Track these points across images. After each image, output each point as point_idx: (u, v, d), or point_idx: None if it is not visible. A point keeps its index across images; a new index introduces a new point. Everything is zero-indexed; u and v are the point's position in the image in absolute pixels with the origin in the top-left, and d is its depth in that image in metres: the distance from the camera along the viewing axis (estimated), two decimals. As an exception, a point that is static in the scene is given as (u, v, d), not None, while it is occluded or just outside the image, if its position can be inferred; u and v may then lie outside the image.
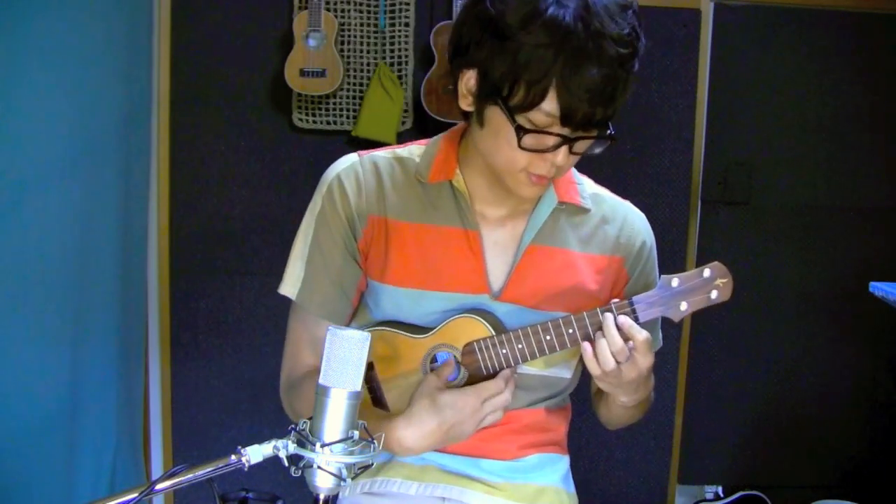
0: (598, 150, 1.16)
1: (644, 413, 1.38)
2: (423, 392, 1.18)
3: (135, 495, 0.87)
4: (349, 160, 1.28)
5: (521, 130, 1.08)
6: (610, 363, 1.13)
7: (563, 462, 1.39)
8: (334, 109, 2.29)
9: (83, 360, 1.92)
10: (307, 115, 2.28)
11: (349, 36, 2.26)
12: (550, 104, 1.06)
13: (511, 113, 1.08)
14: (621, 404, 1.27)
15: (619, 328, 1.14)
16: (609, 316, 1.15)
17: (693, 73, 2.35)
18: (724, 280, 1.18)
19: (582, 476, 2.43)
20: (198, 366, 2.36)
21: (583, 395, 1.43)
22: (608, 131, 1.13)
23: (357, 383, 0.90)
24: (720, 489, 2.57)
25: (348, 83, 2.28)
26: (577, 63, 1.03)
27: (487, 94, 1.10)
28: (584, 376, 1.39)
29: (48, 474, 1.79)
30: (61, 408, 1.84)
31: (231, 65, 2.29)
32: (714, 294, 1.18)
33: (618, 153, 2.37)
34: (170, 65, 2.27)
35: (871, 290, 1.94)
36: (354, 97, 2.29)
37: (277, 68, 2.23)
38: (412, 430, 1.15)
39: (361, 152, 1.29)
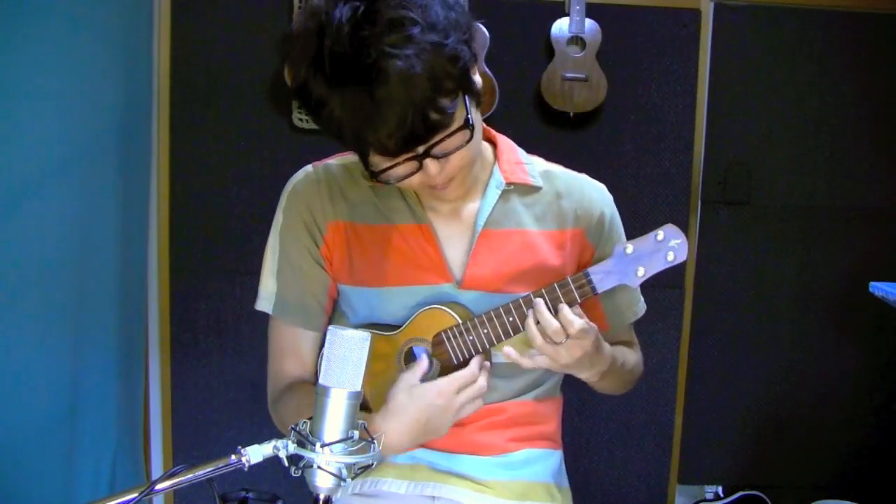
0: (463, 143, 1.11)
1: (629, 381, 1.40)
2: (398, 389, 1.19)
3: (135, 495, 0.87)
4: (304, 171, 1.33)
5: (373, 175, 1.12)
6: (544, 346, 1.15)
7: (555, 457, 1.39)
8: (334, 109, 2.28)
9: (83, 360, 1.92)
10: (307, 115, 2.27)
11: (349, 36, 2.26)
12: (374, 151, 1.08)
13: (365, 164, 1.12)
14: (586, 380, 1.29)
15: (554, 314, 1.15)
16: (539, 301, 1.16)
17: (693, 73, 2.35)
18: (677, 241, 1.16)
19: (581, 476, 2.44)
20: (198, 366, 2.36)
21: (581, 393, 1.43)
22: (465, 119, 1.09)
23: (357, 383, 0.90)
24: (720, 489, 2.57)
25: (348, 83, 2.27)
26: (354, 113, 1.02)
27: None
28: None
29: (48, 474, 1.79)
30: (61, 408, 1.84)
31: (231, 65, 2.28)
32: (671, 256, 1.16)
33: (618, 153, 2.37)
34: (170, 65, 2.27)
35: (871, 290, 1.94)
36: (354, 97, 2.28)
37: (277, 68, 2.23)
38: (390, 426, 1.16)
39: (316, 163, 1.34)
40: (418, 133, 1.04)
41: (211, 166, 2.32)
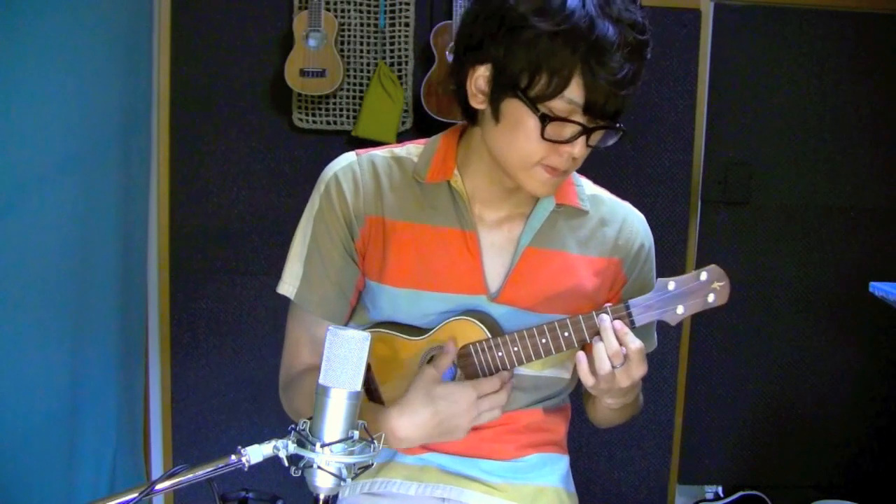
0: (609, 143, 1.16)
1: (630, 417, 1.37)
2: (419, 383, 1.17)
3: (135, 495, 0.87)
4: (347, 159, 1.27)
5: (545, 119, 1.08)
6: (606, 366, 1.12)
7: (562, 462, 1.38)
8: (334, 109, 2.29)
9: (83, 360, 1.92)
10: (307, 115, 2.28)
11: (349, 36, 2.26)
12: (573, 92, 1.06)
13: (533, 103, 1.08)
14: (606, 406, 1.26)
15: (615, 333, 1.13)
16: (605, 318, 1.14)
17: (693, 73, 2.35)
18: (720, 283, 1.15)
19: (582, 476, 2.44)
20: (198, 366, 2.36)
21: (581, 395, 1.43)
22: (618, 123, 1.14)
23: (357, 383, 0.90)
24: (720, 489, 2.57)
25: (348, 83, 2.28)
26: (600, 51, 1.05)
27: (504, 87, 1.10)
28: None
29: (48, 474, 1.79)
30: (61, 408, 1.84)
31: (231, 65, 2.29)
32: (711, 297, 1.16)
33: (618, 153, 2.37)
34: (170, 65, 2.27)
35: (871, 290, 1.94)
36: (354, 97, 2.29)
37: (277, 68, 2.23)
38: (405, 420, 1.14)
39: (359, 151, 1.28)
40: (621, 103, 1.11)
41: (211, 166, 2.32)
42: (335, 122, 2.29)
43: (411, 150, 1.29)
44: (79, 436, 1.92)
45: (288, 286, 1.28)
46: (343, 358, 0.90)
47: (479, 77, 1.13)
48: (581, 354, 1.14)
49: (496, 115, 1.13)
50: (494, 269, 1.25)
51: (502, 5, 1.08)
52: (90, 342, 1.97)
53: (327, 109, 2.29)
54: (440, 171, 1.24)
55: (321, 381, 0.90)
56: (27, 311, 1.70)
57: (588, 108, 1.08)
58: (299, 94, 2.26)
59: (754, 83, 2.40)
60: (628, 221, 1.32)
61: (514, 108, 1.10)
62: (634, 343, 1.12)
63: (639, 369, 1.14)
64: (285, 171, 2.33)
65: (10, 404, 1.64)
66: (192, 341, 2.36)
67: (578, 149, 1.11)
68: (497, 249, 1.25)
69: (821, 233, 2.46)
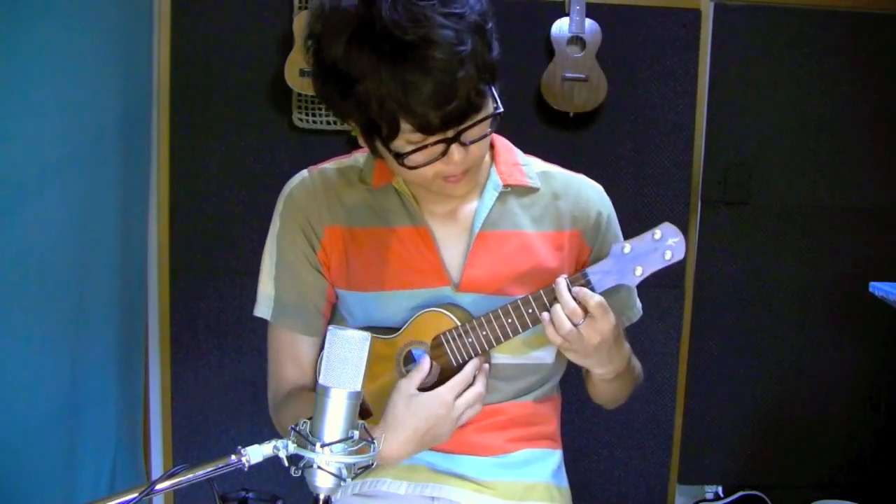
0: (490, 130, 1.14)
1: (632, 389, 1.39)
2: (396, 400, 1.18)
3: (135, 495, 0.87)
4: (300, 177, 1.32)
5: (399, 157, 1.11)
6: (565, 325, 1.14)
7: (554, 456, 1.38)
8: (334, 109, 2.29)
9: (83, 360, 1.92)
10: (307, 115, 2.28)
11: (349, 36, 2.26)
12: (406, 126, 1.06)
13: (385, 144, 1.10)
14: (599, 377, 1.28)
15: (573, 297, 1.15)
16: (560, 281, 1.16)
17: (693, 73, 2.35)
18: (675, 239, 1.15)
19: (582, 476, 2.44)
20: (198, 366, 2.36)
21: (581, 393, 1.43)
22: (495, 106, 1.11)
23: (357, 383, 0.90)
24: (720, 489, 2.57)
25: (348, 83, 2.27)
26: (402, 85, 1.01)
27: (364, 133, 1.13)
28: (577, 370, 1.40)
29: (48, 474, 1.79)
30: (61, 408, 1.84)
31: (231, 65, 2.28)
32: (668, 255, 1.16)
33: (618, 153, 2.37)
34: (170, 65, 2.27)
35: (871, 290, 1.94)
36: (354, 97, 2.28)
37: (277, 68, 2.23)
38: (390, 440, 1.16)
39: (311, 168, 1.33)
40: (460, 111, 1.05)
41: (211, 166, 2.32)
42: (335, 122, 2.28)
43: (358, 157, 1.33)
44: (79, 436, 1.92)
45: (263, 307, 1.32)
46: (343, 358, 0.90)
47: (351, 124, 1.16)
48: (545, 314, 1.16)
49: (375, 154, 1.18)
50: (453, 259, 1.27)
51: (318, 59, 1.09)
52: (90, 342, 1.97)
53: (327, 109, 2.28)
54: (383, 175, 1.27)
55: (321, 381, 0.90)
56: (27, 310, 1.69)
57: (426, 131, 1.07)
58: (299, 94, 2.26)
59: (754, 83, 2.40)
60: (583, 192, 1.33)
61: (381, 147, 1.13)
62: (594, 299, 1.14)
63: (604, 323, 1.15)
64: (285, 172, 2.30)
65: (10, 404, 1.63)
66: (192, 341, 2.36)
67: (457, 156, 1.11)
68: (452, 239, 1.28)
69: (821, 233, 2.45)
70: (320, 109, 2.28)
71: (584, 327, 1.14)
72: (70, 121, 1.85)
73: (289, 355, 1.31)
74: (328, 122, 2.28)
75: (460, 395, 1.19)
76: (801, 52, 2.39)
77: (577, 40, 2.25)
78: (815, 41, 2.39)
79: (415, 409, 1.17)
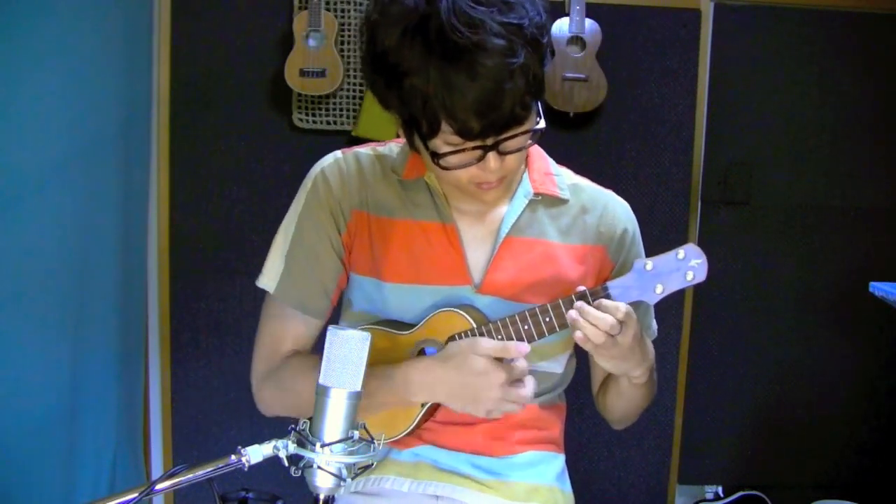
0: (530, 142, 1.15)
1: (650, 399, 1.37)
2: (464, 345, 1.16)
3: (135, 495, 0.87)
4: (332, 156, 1.30)
5: (435, 157, 1.10)
6: (600, 337, 1.12)
7: (558, 460, 1.38)
8: (334, 109, 2.29)
9: (83, 360, 1.92)
10: (307, 115, 2.28)
11: (349, 36, 2.26)
12: (447, 127, 1.06)
13: (424, 141, 1.10)
14: (635, 379, 1.25)
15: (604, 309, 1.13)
16: (581, 303, 1.14)
17: (693, 73, 2.35)
18: (698, 261, 1.15)
19: (582, 476, 2.44)
20: (198, 366, 2.36)
21: (582, 395, 1.43)
22: (537, 121, 1.12)
23: (357, 383, 0.90)
24: (720, 489, 2.57)
25: (348, 83, 2.28)
26: (448, 87, 1.02)
27: (403, 126, 1.13)
28: (579, 374, 1.39)
29: (48, 474, 1.79)
30: (61, 408, 1.84)
31: (231, 65, 2.28)
32: (690, 275, 1.16)
33: (618, 153, 2.37)
34: (170, 65, 2.27)
35: (871, 290, 1.94)
36: (354, 97, 2.29)
37: (277, 68, 2.23)
38: (430, 368, 1.15)
39: (345, 149, 1.31)
40: (502, 121, 1.05)
41: (211, 166, 2.32)
42: (335, 122, 2.29)
43: (393, 147, 1.32)
44: (79, 436, 1.92)
45: (268, 280, 1.29)
46: (343, 358, 0.90)
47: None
48: (578, 332, 1.14)
49: (413, 149, 1.18)
50: (477, 259, 1.27)
51: (368, 48, 1.09)
52: (90, 342, 1.97)
53: (327, 109, 2.29)
54: (415, 168, 1.26)
55: (321, 381, 0.90)
56: (27, 310, 1.70)
57: (466, 136, 1.06)
58: (299, 94, 2.26)
59: (754, 83, 2.40)
60: (609, 208, 1.33)
61: (419, 143, 1.13)
62: (619, 311, 1.12)
63: (635, 327, 1.14)
64: (285, 171, 2.32)
65: (10, 404, 1.64)
66: (192, 341, 2.36)
67: (493, 164, 1.11)
68: (478, 241, 1.27)
69: (821, 233, 2.45)
70: (320, 109, 2.28)
71: (619, 336, 1.14)
72: (70, 121, 1.85)
73: (290, 332, 1.30)
74: (328, 122, 2.29)
75: (513, 386, 1.16)
76: (801, 52, 2.39)
77: (577, 40, 2.25)
78: (815, 41, 2.39)
79: (473, 362, 1.14)
